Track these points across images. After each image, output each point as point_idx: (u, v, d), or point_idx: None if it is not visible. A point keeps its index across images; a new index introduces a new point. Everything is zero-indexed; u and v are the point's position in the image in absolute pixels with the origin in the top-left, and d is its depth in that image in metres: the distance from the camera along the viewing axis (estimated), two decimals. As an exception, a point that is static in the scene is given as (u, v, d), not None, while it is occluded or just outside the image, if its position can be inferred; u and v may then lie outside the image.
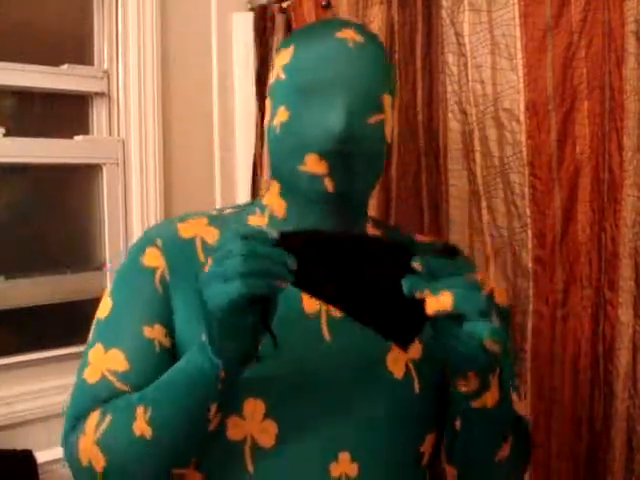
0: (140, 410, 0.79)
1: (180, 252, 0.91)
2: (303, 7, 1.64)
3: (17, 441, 1.47)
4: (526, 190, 1.24)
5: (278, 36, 1.71)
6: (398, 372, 0.88)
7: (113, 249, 1.69)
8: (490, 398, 0.79)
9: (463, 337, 0.70)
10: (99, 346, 0.88)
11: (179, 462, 0.82)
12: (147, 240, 0.93)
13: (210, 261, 0.72)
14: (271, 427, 0.84)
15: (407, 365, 0.89)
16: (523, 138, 1.24)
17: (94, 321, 0.93)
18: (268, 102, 0.93)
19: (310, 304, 0.88)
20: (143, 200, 1.71)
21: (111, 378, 0.86)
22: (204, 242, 0.92)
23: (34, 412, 1.52)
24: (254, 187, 1.79)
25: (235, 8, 1.86)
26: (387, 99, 0.89)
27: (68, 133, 1.65)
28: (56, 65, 1.63)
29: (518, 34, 1.24)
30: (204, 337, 0.76)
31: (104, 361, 0.87)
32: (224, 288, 0.68)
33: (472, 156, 1.32)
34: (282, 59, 0.91)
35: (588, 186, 1.18)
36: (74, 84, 1.65)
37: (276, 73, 0.92)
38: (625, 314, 1.13)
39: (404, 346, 0.78)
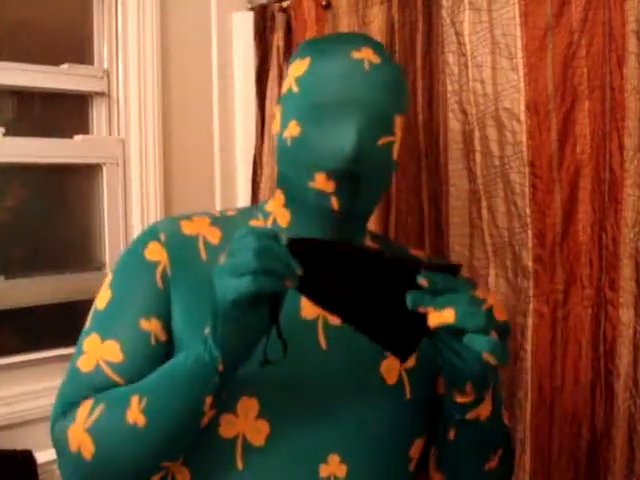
0: (135, 399, 0.79)
1: (182, 248, 0.92)
2: (303, 7, 1.64)
3: (17, 441, 1.47)
4: (526, 190, 1.24)
5: (278, 35, 1.70)
6: (390, 379, 0.90)
7: (113, 249, 1.69)
8: (484, 411, 0.82)
9: (462, 350, 0.73)
10: (95, 336, 0.89)
11: (169, 455, 0.82)
12: (151, 234, 0.94)
13: (224, 253, 0.73)
14: (263, 426, 0.85)
15: (400, 373, 0.90)
16: (523, 138, 1.24)
17: (92, 309, 0.93)
18: (279, 110, 0.94)
19: (308, 310, 0.89)
20: (143, 200, 1.71)
21: (106, 368, 0.86)
22: (206, 241, 0.93)
23: (34, 412, 1.52)
24: (254, 187, 1.79)
25: (235, 8, 1.86)
26: (398, 120, 0.90)
27: (68, 133, 1.65)
28: (56, 65, 1.63)
29: (518, 33, 1.24)
30: (207, 330, 0.77)
31: (100, 351, 0.87)
32: (234, 283, 0.69)
33: (472, 156, 1.32)
34: (296, 70, 0.91)
35: (589, 186, 1.18)
36: (74, 84, 1.65)
37: (289, 84, 0.92)
38: (626, 314, 1.13)
39: (403, 358, 0.79)
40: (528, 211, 1.24)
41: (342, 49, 0.88)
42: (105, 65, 1.71)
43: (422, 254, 1.08)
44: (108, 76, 1.70)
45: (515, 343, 1.27)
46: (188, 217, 0.97)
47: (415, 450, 0.92)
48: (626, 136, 1.12)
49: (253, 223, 0.97)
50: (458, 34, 1.33)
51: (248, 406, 0.84)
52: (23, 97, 1.63)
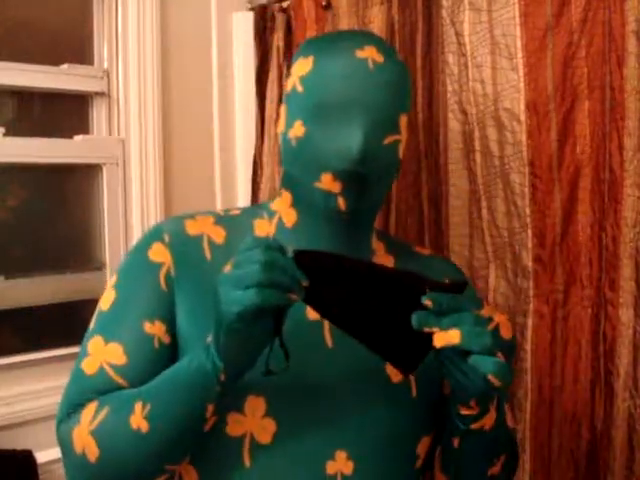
0: (138, 405, 0.80)
1: (186, 248, 0.92)
2: (303, 7, 1.64)
3: (17, 441, 1.47)
4: (526, 190, 1.24)
5: (278, 35, 1.70)
6: (396, 377, 0.90)
7: (113, 249, 1.69)
8: (488, 421, 0.82)
9: (468, 370, 0.74)
10: (99, 338, 0.89)
11: (172, 458, 0.83)
12: (155, 235, 0.94)
13: (230, 263, 0.73)
14: (270, 425, 0.85)
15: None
16: (523, 138, 1.24)
17: (96, 310, 0.93)
18: (283, 109, 0.94)
19: (313, 311, 0.89)
20: (143, 200, 1.71)
21: (109, 371, 0.86)
22: (211, 240, 0.93)
23: (34, 412, 1.52)
24: (254, 187, 1.79)
25: (235, 8, 1.86)
26: (404, 119, 0.90)
27: (68, 133, 1.65)
28: (56, 65, 1.63)
29: (518, 33, 1.24)
30: (210, 338, 0.76)
31: (103, 353, 0.88)
32: (239, 295, 0.69)
33: (472, 156, 1.32)
34: (300, 69, 0.91)
35: (588, 186, 1.18)
36: (74, 84, 1.65)
37: (293, 83, 0.91)
38: (626, 314, 1.13)
39: (406, 372, 0.80)
40: (528, 211, 1.24)
41: (346, 48, 0.88)
42: (105, 65, 1.71)
43: (426, 252, 1.08)
44: (108, 76, 1.70)
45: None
46: (192, 216, 0.97)
47: (422, 448, 0.93)
48: (626, 136, 1.12)
49: (258, 222, 0.97)
50: (458, 34, 1.33)
51: (255, 405, 0.84)
52: (23, 97, 1.63)
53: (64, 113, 1.68)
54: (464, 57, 1.33)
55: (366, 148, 0.84)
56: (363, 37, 0.91)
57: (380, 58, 0.87)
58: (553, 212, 1.22)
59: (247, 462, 0.84)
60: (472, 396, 0.78)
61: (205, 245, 0.93)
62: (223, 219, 0.97)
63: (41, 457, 1.47)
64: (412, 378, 0.91)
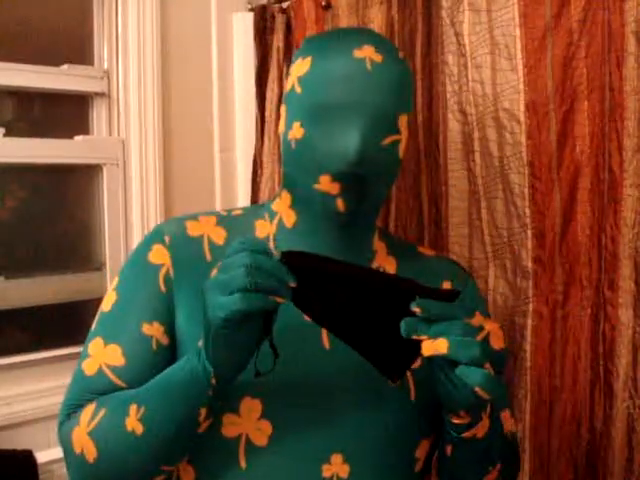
0: (133, 407, 0.80)
1: (187, 250, 0.92)
2: (303, 7, 1.64)
3: (17, 441, 1.47)
4: (526, 190, 1.24)
5: (278, 36, 1.70)
6: None
7: (113, 249, 1.69)
8: (481, 430, 0.81)
9: (456, 380, 0.73)
10: (99, 340, 0.89)
11: (168, 460, 0.83)
12: (155, 236, 0.94)
13: (216, 268, 0.73)
14: (266, 427, 0.85)
15: (405, 374, 0.90)
16: (523, 138, 1.24)
17: (98, 311, 0.94)
18: (284, 109, 0.93)
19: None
20: (143, 200, 1.71)
21: (108, 372, 0.87)
22: (211, 241, 0.93)
23: (34, 412, 1.52)
24: (254, 187, 1.79)
25: (235, 8, 1.86)
26: (403, 119, 0.89)
27: (68, 133, 1.65)
28: (56, 65, 1.63)
29: (518, 34, 1.24)
30: (200, 342, 0.77)
31: (103, 355, 0.88)
32: (224, 300, 0.69)
33: (472, 156, 1.32)
34: (298, 69, 0.90)
35: (588, 186, 1.18)
36: (74, 84, 1.65)
37: (292, 83, 0.91)
38: (625, 314, 1.13)
39: (392, 381, 0.79)
40: (527, 211, 1.24)
41: (344, 48, 0.87)
42: (105, 66, 1.71)
43: (430, 253, 1.06)
44: (108, 77, 1.70)
45: (514, 344, 1.27)
46: (194, 217, 0.97)
47: (421, 451, 0.92)
48: (625, 136, 1.12)
49: (259, 223, 0.97)
50: (458, 35, 1.33)
51: (251, 406, 0.84)
52: (23, 98, 1.63)
53: (64, 113, 1.68)
54: (464, 57, 1.33)
55: (363, 149, 0.83)
56: (362, 36, 0.90)
57: (378, 57, 0.86)
58: (552, 212, 1.22)
59: (242, 464, 0.84)
60: (461, 407, 0.78)
61: (205, 246, 0.93)
62: (225, 219, 0.97)
63: (41, 457, 1.47)
64: (411, 381, 0.90)
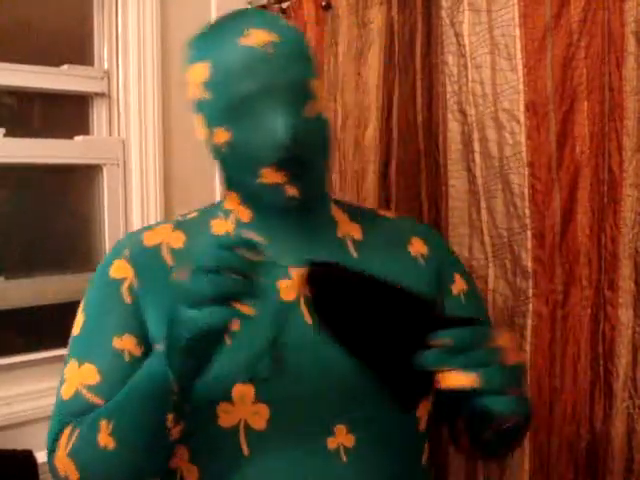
0: (103, 423, 0.80)
1: (146, 260, 0.93)
2: (303, 8, 1.64)
3: (17, 441, 1.47)
4: (525, 190, 1.24)
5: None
6: None
7: (113, 249, 1.69)
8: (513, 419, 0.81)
9: (484, 408, 0.72)
10: (73, 362, 0.90)
11: (147, 469, 0.83)
12: (114, 253, 0.95)
13: (183, 271, 0.72)
14: (262, 410, 0.84)
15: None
16: (523, 138, 1.24)
17: (70, 337, 0.94)
18: (197, 118, 0.93)
19: (286, 293, 0.89)
20: (143, 200, 1.71)
21: (84, 392, 0.87)
22: (170, 247, 0.94)
23: (34, 412, 1.52)
24: (254, 187, 1.79)
25: (235, 8, 1.86)
26: (315, 83, 0.89)
27: (68, 133, 1.65)
28: (56, 65, 1.63)
29: (518, 34, 1.24)
30: (161, 346, 0.76)
31: (78, 376, 0.88)
32: (191, 315, 0.69)
33: (472, 156, 1.32)
34: (198, 76, 0.89)
35: (588, 186, 1.18)
36: (74, 84, 1.65)
37: (197, 91, 0.90)
38: (625, 314, 1.13)
39: (407, 410, 0.79)
40: (527, 212, 1.25)
41: (231, 38, 0.87)
42: (105, 66, 1.71)
43: (392, 215, 1.07)
44: (108, 77, 1.70)
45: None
46: (150, 228, 0.98)
47: (422, 410, 0.92)
48: (625, 137, 1.12)
49: (214, 223, 0.97)
50: (457, 35, 1.33)
51: (243, 392, 0.84)
52: (23, 98, 1.63)
53: (64, 114, 1.68)
54: (463, 58, 1.33)
55: (292, 127, 0.83)
56: (244, 21, 0.89)
57: (271, 37, 0.86)
58: (552, 213, 1.22)
59: (245, 451, 0.84)
60: (490, 424, 0.80)
61: (164, 253, 0.93)
62: (182, 224, 0.98)
63: (41, 457, 1.46)
64: None
